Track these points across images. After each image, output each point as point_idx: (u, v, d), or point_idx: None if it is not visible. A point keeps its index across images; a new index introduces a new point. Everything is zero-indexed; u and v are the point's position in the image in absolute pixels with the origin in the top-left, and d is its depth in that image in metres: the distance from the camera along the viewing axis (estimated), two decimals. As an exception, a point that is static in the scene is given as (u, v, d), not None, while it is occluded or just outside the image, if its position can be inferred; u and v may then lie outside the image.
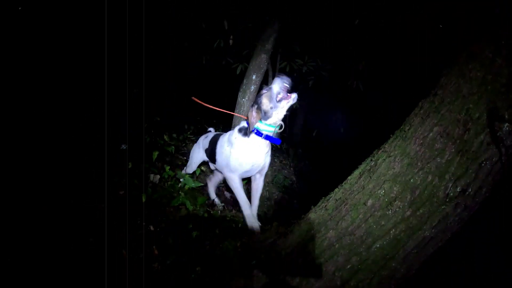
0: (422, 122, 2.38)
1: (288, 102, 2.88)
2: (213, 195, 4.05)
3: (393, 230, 2.28)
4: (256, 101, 2.95)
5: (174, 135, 4.96)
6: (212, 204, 3.99)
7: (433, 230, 2.28)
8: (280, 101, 2.86)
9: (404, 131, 2.46)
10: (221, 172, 3.68)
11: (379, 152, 2.56)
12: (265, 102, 2.88)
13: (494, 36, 2.28)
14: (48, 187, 3.47)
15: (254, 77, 5.08)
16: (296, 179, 5.37)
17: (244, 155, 3.10)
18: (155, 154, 3.98)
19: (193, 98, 3.47)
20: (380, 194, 2.34)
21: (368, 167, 2.55)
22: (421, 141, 2.33)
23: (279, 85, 2.87)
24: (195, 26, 6.11)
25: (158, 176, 3.91)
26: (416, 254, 2.33)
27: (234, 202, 4.22)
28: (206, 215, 3.60)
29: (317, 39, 6.21)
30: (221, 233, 3.30)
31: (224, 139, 3.41)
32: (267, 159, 3.26)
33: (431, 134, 2.31)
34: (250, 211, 3.25)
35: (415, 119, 2.45)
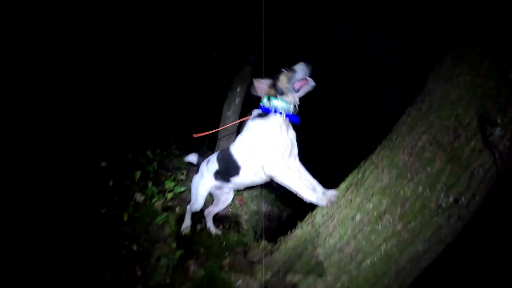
0: (410, 131, 2.27)
1: (304, 88, 2.70)
2: (209, 223, 3.75)
3: (384, 245, 2.16)
4: (273, 76, 2.74)
5: (158, 151, 4.79)
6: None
7: (426, 243, 2.16)
8: (297, 89, 2.69)
9: (392, 140, 2.34)
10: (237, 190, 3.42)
11: (366, 164, 2.43)
12: (282, 80, 2.68)
13: (480, 38, 2.19)
14: (25, 205, 3.30)
15: (238, 89, 4.95)
16: (284, 190, 5.19)
17: (271, 135, 2.68)
18: (138, 173, 3.79)
19: (194, 135, 3.23)
20: (369, 208, 2.21)
21: (355, 180, 2.42)
22: (410, 151, 2.21)
23: (302, 71, 2.67)
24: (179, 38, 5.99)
25: (143, 197, 3.73)
26: (410, 269, 2.21)
27: (219, 218, 4.04)
28: (190, 233, 3.44)
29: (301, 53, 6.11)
30: (206, 252, 3.15)
31: (240, 141, 2.90)
32: (292, 134, 2.82)
33: (420, 143, 2.20)
34: (312, 192, 2.46)
35: (402, 128, 2.33)
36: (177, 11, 5.11)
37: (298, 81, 2.65)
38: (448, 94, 2.23)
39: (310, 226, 2.50)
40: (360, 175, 2.40)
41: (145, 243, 3.25)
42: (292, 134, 2.76)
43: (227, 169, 2.98)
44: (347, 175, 2.64)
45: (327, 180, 2.67)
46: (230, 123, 4.82)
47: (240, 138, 2.87)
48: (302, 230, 2.55)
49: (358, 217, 2.23)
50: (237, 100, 4.94)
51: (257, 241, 3.02)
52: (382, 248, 2.16)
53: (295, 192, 2.49)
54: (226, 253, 3.06)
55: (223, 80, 5.54)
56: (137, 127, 5.14)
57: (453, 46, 2.40)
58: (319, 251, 2.30)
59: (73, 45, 5.10)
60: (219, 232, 3.63)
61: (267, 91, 2.72)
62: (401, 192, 2.16)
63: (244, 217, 4.45)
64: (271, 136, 2.63)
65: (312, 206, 2.59)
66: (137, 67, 5.82)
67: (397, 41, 5.82)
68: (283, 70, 2.68)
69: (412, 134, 2.25)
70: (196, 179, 3.42)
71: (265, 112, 2.70)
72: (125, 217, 3.29)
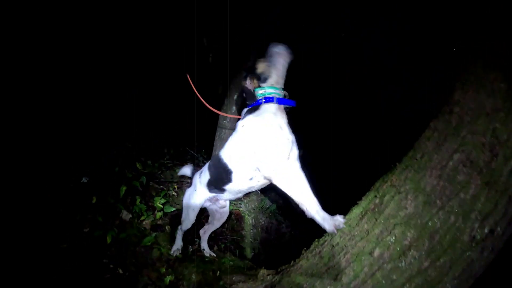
0: (438, 148, 1.91)
1: (285, 58, 2.51)
2: (204, 244, 3.39)
3: (407, 285, 1.80)
4: (249, 69, 2.58)
5: (149, 162, 4.41)
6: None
7: (455, 281, 1.80)
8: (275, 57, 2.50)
9: (416, 159, 1.98)
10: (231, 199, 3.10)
11: (384, 186, 2.07)
12: (259, 65, 2.51)
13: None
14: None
15: (235, 97, 4.61)
16: (283, 202, 4.85)
17: (269, 133, 2.31)
18: (123, 189, 3.40)
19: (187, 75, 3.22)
20: (390, 241, 1.85)
21: (371, 206, 2.05)
22: (439, 173, 1.85)
23: (274, 47, 2.52)
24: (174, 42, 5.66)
25: (130, 215, 3.37)
26: (435, 312, 1.84)
27: (215, 236, 3.68)
28: (180, 256, 3.09)
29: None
30: (199, 279, 2.83)
31: (231, 142, 2.55)
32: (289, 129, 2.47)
33: (451, 163, 1.84)
34: (319, 207, 2.17)
35: (428, 145, 1.97)
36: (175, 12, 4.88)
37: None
38: (482, 104, 1.89)
39: (317, 258, 2.14)
40: (378, 200, 2.03)
41: (132, 266, 2.95)
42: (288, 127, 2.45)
43: (219, 176, 2.67)
44: (353, 195, 2.31)
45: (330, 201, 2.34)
46: (225, 132, 4.46)
47: (229, 140, 2.58)
48: (308, 262, 2.18)
49: (377, 252, 1.86)
50: (234, 108, 4.59)
51: (255, 268, 2.67)
52: (405, 289, 1.79)
53: (297, 202, 2.19)
54: (221, 282, 2.69)
55: (220, 87, 5.18)
56: (125, 136, 4.80)
57: (483, 49, 2.05)
58: (330, 290, 1.94)
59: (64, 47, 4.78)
60: (213, 254, 3.29)
61: (255, 83, 2.52)
62: (430, 223, 1.80)
63: (241, 233, 4.12)
64: (267, 130, 2.33)
65: (315, 227, 2.21)
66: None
67: (398, 41, 5.49)
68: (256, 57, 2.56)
69: (441, 152, 1.89)
70: (189, 192, 3.09)
71: (255, 106, 2.43)
72: (109, 239, 2.93)
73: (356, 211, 2.15)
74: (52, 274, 2.65)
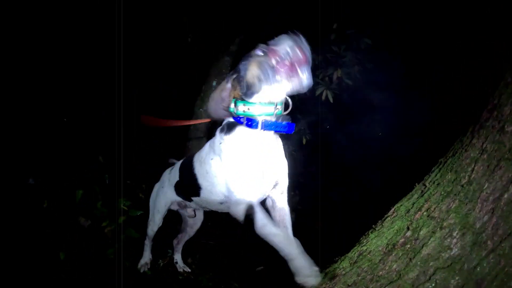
0: (489, 175, 1.54)
1: (294, 80, 1.68)
2: (177, 256, 2.92)
3: None
4: (236, 69, 1.81)
5: (115, 153, 3.86)
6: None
7: (493, 336, 1.45)
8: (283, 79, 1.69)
9: (462, 185, 1.60)
10: (208, 210, 2.49)
11: (417, 216, 1.68)
12: (253, 69, 1.71)
13: None
14: None
15: (214, 83, 4.20)
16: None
17: (243, 162, 1.83)
18: (79, 193, 2.84)
19: (142, 117, 2.27)
20: (429, 289, 1.47)
21: (400, 239, 1.67)
22: (492, 206, 1.49)
23: (287, 47, 1.66)
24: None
25: (89, 221, 2.85)
26: None
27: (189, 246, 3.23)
28: (149, 272, 2.63)
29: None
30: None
31: (203, 152, 2.12)
32: (282, 163, 1.98)
33: (506, 196, 1.48)
34: (302, 257, 1.74)
35: (476, 169, 1.60)
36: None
37: (282, 64, 1.67)
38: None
39: (326, 297, 1.73)
40: (410, 234, 1.65)
41: (92, 284, 2.53)
42: (282, 159, 1.96)
43: (188, 184, 2.25)
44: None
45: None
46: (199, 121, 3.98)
47: (204, 154, 2.09)
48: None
49: (412, 302, 1.48)
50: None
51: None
52: None
53: (274, 246, 1.76)
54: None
55: (197, 72, 4.71)
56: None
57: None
58: None
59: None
60: (188, 269, 2.85)
61: (234, 93, 1.81)
62: (478, 268, 1.44)
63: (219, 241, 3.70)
64: (237, 163, 1.84)
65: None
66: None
67: (398, 41, 5.22)
68: (258, 50, 1.73)
69: (494, 180, 1.52)
70: (156, 188, 2.71)
71: (232, 123, 1.86)
72: (62, 256, 2.44)
73: (377, 242, 1.76)
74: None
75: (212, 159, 1.98)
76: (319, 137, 5.44)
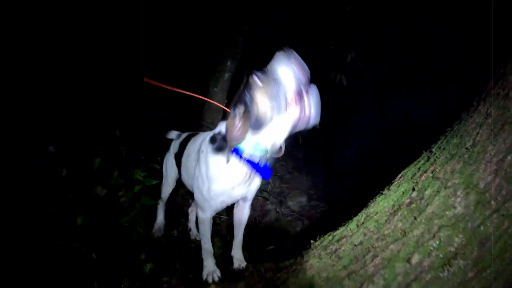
0: (493, 138, 1.59)
1: (302, 109, 1.55)
2: (191, 224, 3.02)
3: (447, 299, 1.48)
4: (240, 98, 1.65)
5: (130, 129, 3.94)
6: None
7: (495, 295, 1.50)
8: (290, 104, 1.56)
9: (466, 148, 1.64)
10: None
11: (423, 177, 1.73)
12: (261, 102, 1.57)
13: None
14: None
15: (229, 63, 4.25)
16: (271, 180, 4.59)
17: (217, 182, 1.90)
18: (97, 161, 2.92)
19: (145, 79, 2.24)
20: (433, 246, 1.53)
21: (406, 200, 1.72)
22: (495, 168, 1.53)
23: (293, 72, 1.53)
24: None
25: (105, 191, 2.94)
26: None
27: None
28: (163, 240, 2.72)
29: (303, 22, 5.37)
30: (183, 269, 2.50)
31: (193, 147, 2.27)
32: (255, 184, 2.08)
33: (509, 158, 1.52)
34: (211, 260, 2.33)
35: (480, 132, 1.64)
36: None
37: (289, 93, 1.55)
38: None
39: (334, 257, 1.80)
40: (415, 194, 1.70)
41: (107, 251, 2.59)
42: (256, 181, 2.06)
43: (178, 164, 2.60)
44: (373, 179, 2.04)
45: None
46: (216, 101, 4.04)
47: (192, 150, 2.30)
48: (321, 262, 1.84)
49: (415, 258, 1.54)
50: (226, 75, 4.27)
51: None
52: (443, 303, 1.49)
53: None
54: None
55: (212, 52, 4.77)
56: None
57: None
58: (353, 300, 1.61)
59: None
60: (199, 238, 2.93)
61: (245, 127, 1.64)
62: (482, 227, 1.48)
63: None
64: (219, 182, 1.90)
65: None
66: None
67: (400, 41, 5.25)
68: (256, 79, 1.57)
69: (498, 143, 1.56)
70: (167, 155, 2.95)
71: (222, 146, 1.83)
72: (79, 220, 2.52)
73: (384, 204, 1.82)
74: (14, 258, 2.29)
75: (194, 161, 2.18)
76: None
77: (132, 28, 4.48)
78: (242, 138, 1.65)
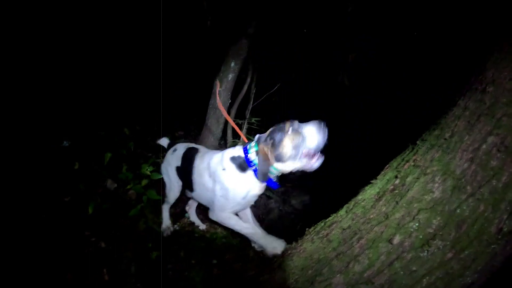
0: (470, 129, 1.72)
1: (310, 163, 2.13)
2: (193, 216, 3.17)
3: (427, 278, 1.62)
4: (272, 136, 2.15)
5: (138, 128, 4.12)
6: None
7: (476, 275, 1.63)
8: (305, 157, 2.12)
9: (444, 138, 1.78)
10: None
11: (405, 166, 1.87)
12: (287, 145, 2.09)
13: None
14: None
15: (233, 64, 4.37)
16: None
17: (241, 193, 2.32)
18: (108, 156, 3.10)
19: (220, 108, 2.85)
20: (413, 228, 1.66)
21: (390, 186, 1.86)
22: (471, 156, 1.66)
23: (317, 139, 2.08)
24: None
25: (115, 184, 3.10)
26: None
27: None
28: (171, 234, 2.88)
29: (304, 26, 5.50)
30: (187, 256, 2.64)
31: (203, 166, 2.56)
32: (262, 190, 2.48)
33: (484, 146, 1.65)
34: (264, 238, 2.42)
35: (459, 124, 1.77)
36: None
37: (306, 153, 2.11)
38: (521, 85, 1.69)
39: (325, 241, 1.95)
40: (398, 181, 1.84)
41: (115, 240, 2.73)
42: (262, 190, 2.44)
43: (187, 179, 2.72)
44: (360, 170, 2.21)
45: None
46: (219, 101, 4.19)
47: (204, 169, 2.53)
48: (313, 245, 1.99)
49: (397, 239, 1.67)
50: (230, 76, 4.36)
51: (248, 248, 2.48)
52: (424, 281, 1.62)
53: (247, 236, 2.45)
54: (214, 261, 2.50)
55: (217, 53, 4.92)
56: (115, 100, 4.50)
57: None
58: (340, 279, 1.75)
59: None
60: (203, 226, 3.08)
61: (272, 156, 2.17)
62: (458, 210, 1.62)
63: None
64: (241, 193, 2.33)
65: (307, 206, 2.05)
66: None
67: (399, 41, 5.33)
68: (289, 129, 2.11)
69: (474, 133, 1.69)
70: (164, 166, 3.02)
71: (245, 162, 2.27)
72: (91, 210, 2.68)
73: (370, 191, 1.97)
74: (29, 246, 2.43)
75: (209, 178, 2.46)
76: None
77: (145, 31, 4.65)
78: (271, 165, 2.17)
